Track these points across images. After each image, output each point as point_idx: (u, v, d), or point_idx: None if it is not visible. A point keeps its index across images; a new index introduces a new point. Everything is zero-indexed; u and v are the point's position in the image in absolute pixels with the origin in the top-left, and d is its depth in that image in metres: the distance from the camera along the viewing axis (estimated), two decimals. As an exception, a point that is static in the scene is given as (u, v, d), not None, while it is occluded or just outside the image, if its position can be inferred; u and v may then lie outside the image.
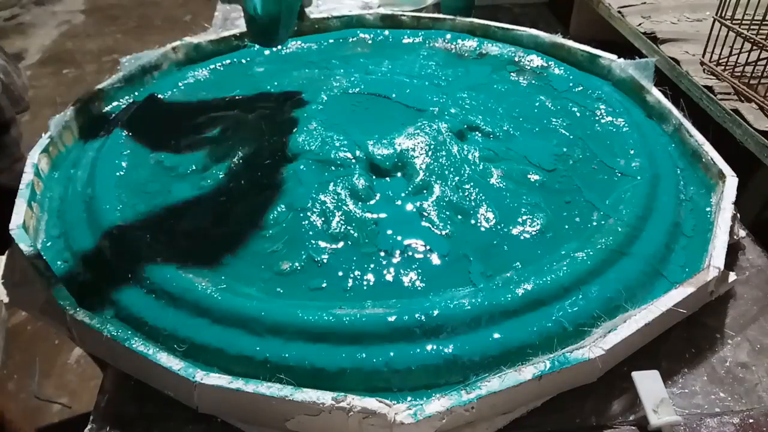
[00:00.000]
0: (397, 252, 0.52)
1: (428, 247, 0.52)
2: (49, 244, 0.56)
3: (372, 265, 0.51)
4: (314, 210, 0.55)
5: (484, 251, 0.52)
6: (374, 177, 0.59)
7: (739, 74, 0.71)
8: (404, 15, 0.90)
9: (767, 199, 0.74)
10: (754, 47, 0.69)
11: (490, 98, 0.72)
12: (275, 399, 0.39)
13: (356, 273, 0.50)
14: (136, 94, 0.78)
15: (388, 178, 0.60)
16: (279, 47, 0.85)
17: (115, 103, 0.76)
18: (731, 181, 0.57)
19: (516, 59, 0.80)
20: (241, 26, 0.90)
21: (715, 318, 0.51)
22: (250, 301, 0.46)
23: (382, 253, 0.51)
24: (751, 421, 0.43)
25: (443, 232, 0.53)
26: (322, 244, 0.52)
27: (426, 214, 0.55)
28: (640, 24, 0.87)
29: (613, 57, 0.77)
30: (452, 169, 0.59)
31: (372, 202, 0.57)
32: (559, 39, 0.81)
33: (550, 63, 0.78)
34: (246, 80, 0.77)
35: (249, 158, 0.62)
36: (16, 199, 0.56)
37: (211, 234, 0.54)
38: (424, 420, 0.39)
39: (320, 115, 0.66)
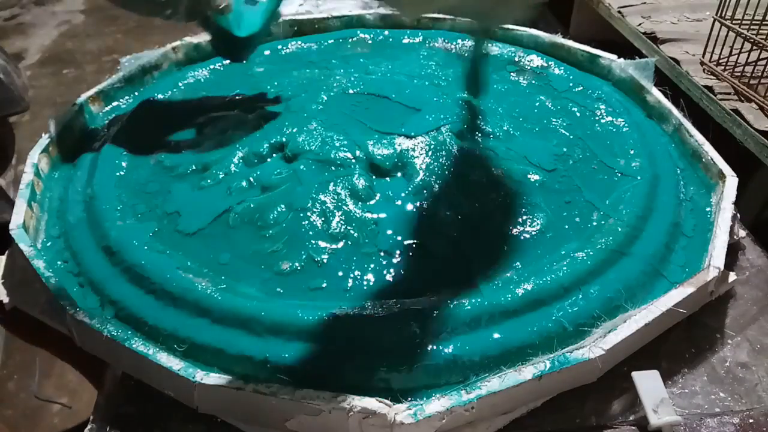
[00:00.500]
0: (397, 252, 0.52)
1: (428, 247, 0.52)
2: (49, 244, 0.56)
3: (372, 265, 0.51)
4: (314, 210, 0.55)
5: (484, 251, 0.52)
6: (374, 177, 0.59)
7: (739, 74, 0.71)
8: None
9: (767, 199, 0.74)
10: (754, 47, 0.69)
11: (490, 98, 0.72)
12: (275, 399, 0.40)
13: (356, 273, 0.50)
14: (136, 94, 0.78)
15: (388, 178, 0.59)
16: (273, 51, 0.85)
17: (115, 103, 0.76)
18: (731, 181, 0.57)
19: (516, 59, 0.80)
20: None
21: (715, 318, 0.51)
22: (250, 301, 0.46)
23: (382, 253, 0.51)
24: (751, 421, 0.43)
25: (443, 232, 0.53)
26: (322, 244, 0.52)
27: (426, 214, 0.55)
28: (640, 24, 0.87)
29: (613, 57, 0.77)
30: (452, 169, 0.59)
31: (372, 202, 0.57)
32: (559, 39, 0.81)
33: (550, 63, 0.78)
34: (246, 80, 0.77)
35: (249, 158, 0.62)
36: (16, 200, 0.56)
37: (211, 234, 0.54)
38: (424, 420, 0.39)
39: (320, 115, 0.66)
